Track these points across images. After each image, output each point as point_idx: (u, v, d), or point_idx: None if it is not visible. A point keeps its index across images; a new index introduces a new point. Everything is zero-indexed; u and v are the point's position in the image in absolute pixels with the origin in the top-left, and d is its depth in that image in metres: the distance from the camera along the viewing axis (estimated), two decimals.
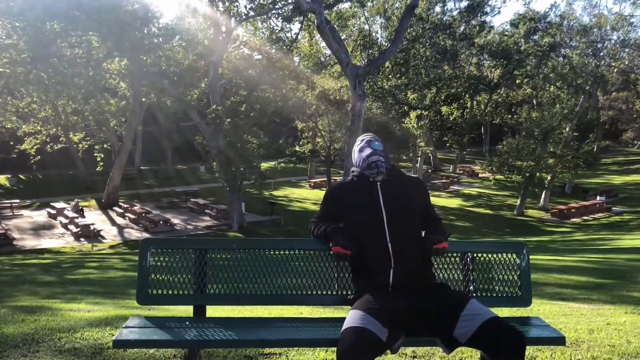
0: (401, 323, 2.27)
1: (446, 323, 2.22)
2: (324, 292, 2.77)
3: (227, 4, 24.40)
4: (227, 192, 24.56)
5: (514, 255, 2.82)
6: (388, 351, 2.21)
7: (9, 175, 35.37)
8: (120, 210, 27.18)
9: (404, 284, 2.42)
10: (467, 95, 45.34)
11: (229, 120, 23.58)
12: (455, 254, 2.85)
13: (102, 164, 29.97)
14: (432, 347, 3.03)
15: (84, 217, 25.19)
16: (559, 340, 2.38)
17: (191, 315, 2.80)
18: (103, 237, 22.23)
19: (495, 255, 2.83)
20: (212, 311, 3.91)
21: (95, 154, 29.95)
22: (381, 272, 2.45)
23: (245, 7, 26.39)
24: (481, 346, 2.14)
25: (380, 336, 2.13)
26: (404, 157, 40.01)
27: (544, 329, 2.53)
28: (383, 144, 2.74)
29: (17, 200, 28.78)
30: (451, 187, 39.67)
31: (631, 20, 38.71)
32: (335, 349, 2.15)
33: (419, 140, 36.74)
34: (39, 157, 29.87)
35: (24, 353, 3.00)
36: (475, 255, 2.83)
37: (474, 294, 2.77)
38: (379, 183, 2.63)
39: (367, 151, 2.68)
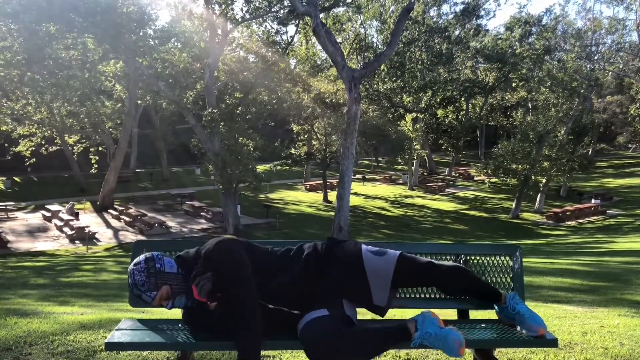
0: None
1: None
2: None
3: (223, 7, 24.41)
4: (222, 194, 24.52)
5: (507, 258, 2.83)
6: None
7: (4, 178, 35.23)
8: (115, 213, 27.09)
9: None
10: (463, 99, 45.49)
11: (222, 123, 23.58)
12: (449, 256, 2.85)
13: (96, 166, 29.86)
14: (426, 349, 3.03)
15: (78, 219, 25.10)
16: (551, 343, 2.38)
17: None
18: (98, 240, 22.15)
19: (488, 258, 2.83)
20: None
21: (91, 156, 29.86)
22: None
23: (242, 9, 26.38)
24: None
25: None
26: (400, 160, 40.12)
27: None
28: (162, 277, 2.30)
29: (12, 203, 28.65)
30: (446, 189, 39.75)
31: (625, 24, 38.94)
32: None
33: (414, 143, 36.89)
34: (34, 159, 29.72)
35: (16, 356, 2.98)
36: (468, 257, 2.83)
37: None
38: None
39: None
